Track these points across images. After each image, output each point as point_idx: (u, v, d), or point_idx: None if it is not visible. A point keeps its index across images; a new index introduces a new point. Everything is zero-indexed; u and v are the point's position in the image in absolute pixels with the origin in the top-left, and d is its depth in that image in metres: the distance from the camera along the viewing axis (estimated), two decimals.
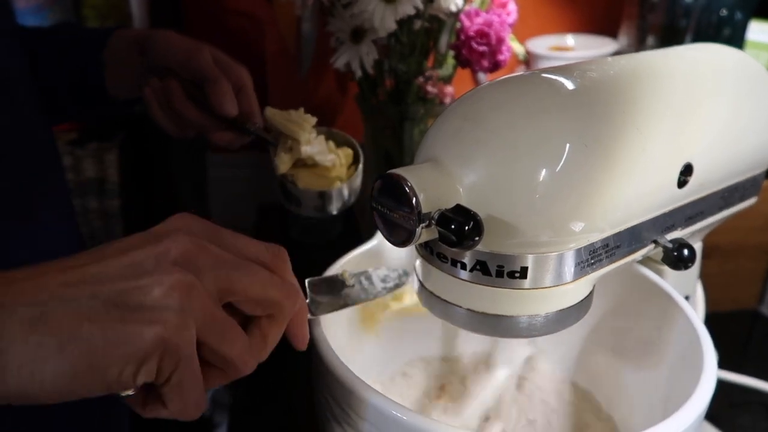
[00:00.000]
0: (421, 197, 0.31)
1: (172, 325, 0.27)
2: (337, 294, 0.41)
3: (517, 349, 0.52)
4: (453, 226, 0.30)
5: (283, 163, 0.55)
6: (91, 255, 0.28)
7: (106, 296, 0.27)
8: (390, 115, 0.78)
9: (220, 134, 0.57)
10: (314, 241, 0.94)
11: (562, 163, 0.31)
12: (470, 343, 0.51)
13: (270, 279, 0.30)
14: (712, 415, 0.63)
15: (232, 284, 0.29)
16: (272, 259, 0.31)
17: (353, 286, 0.42)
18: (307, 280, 0.39)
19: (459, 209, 0.31)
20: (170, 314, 0.27)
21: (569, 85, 0.33)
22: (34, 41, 0.58)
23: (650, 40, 0.95)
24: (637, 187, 0.34)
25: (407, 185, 0.31)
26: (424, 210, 0.31)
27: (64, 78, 0.59)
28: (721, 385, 0.63)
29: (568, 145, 0.31)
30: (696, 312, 0.42)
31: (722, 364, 0.62)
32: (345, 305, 0.41)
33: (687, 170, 0.37)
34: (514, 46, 0.78)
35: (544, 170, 0.31)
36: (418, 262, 0.37)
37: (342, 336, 0.46)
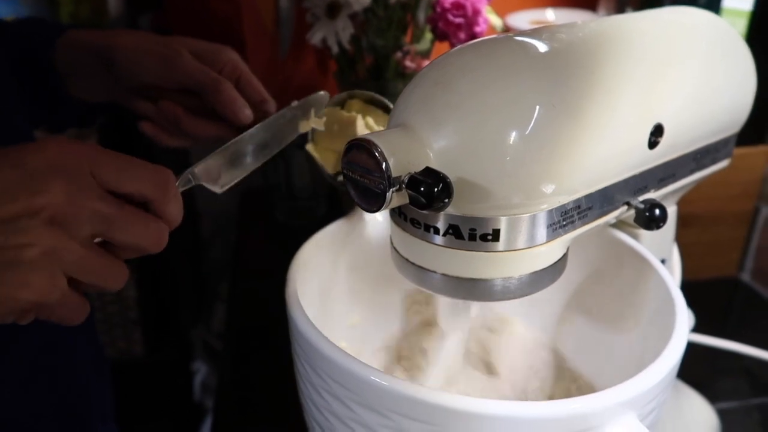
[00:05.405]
0: (391, 161, 0.31)
1: (43, 288, 0.30)
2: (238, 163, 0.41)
3: (494, 313, 0.53)
4: (422, 189, 0.30)
5: (331, 165, 0.46)
6: None
7: None
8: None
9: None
10: (300, 222, 0.94)
11: (531, 124, 0.31)
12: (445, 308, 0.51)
13: (140, 227, 0.32)
14: (695, 381, 0.64)
15: (103, 234, 0.32)
16: (154, 192, 0.33)
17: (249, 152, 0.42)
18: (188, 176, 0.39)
19: (428, 171, 0.31)
20: (42, 278, 0.29)
21: (538, 46, 0.33)
22: None
23: (629, 12, 0.94)
24: (607, 148, 0.34)
25: (377, 150, 0.31)
26: (394, 174, 0.31)
27: (24, 81, 0.52)
28: (704, 352, 0.64)
29: (537, 106, 0.31)
30: (672, 275, 0.43)
31: (704, 331, 0.63)
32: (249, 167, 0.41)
33: (657, 131, 0.37)
34: (492, 18, 0.78)
35: (513, 132, 0.31)
36: (392, 230, 0.37)
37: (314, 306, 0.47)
